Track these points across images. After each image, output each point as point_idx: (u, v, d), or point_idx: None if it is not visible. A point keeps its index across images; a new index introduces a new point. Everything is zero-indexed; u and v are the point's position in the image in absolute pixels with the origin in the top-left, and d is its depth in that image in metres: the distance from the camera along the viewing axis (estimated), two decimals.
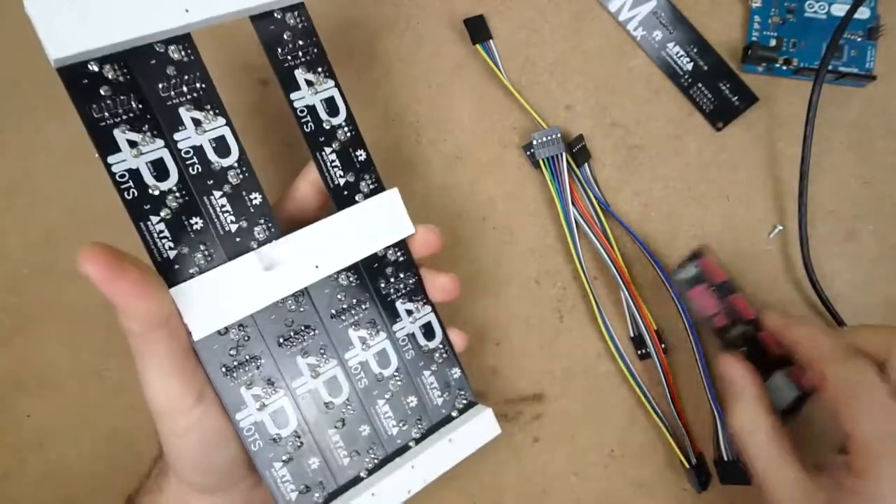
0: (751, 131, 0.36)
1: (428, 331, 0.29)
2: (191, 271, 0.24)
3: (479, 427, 0.29)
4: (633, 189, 0.36)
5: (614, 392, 0.36)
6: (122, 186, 0.23)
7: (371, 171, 0.28)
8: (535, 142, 0.34)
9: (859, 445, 0.24)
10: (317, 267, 0.26)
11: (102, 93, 0.23)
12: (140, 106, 0.23)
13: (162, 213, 0.23)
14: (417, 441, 0.28)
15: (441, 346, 0.29)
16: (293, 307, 0.26)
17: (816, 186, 0.35)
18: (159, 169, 0.23)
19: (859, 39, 0.35)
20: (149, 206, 0.23)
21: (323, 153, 0.27)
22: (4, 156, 0.36)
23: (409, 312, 0.29)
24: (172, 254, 0.24)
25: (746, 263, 0.36)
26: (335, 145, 0.27)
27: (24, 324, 0.36)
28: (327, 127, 0.27)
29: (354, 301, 0.27)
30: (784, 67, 0.35)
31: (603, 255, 0.35)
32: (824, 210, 0.36)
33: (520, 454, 0.36)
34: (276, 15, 0.26)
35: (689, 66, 0.36)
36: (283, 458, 0.25)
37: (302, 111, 0.27)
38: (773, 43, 0.36)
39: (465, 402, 0.30)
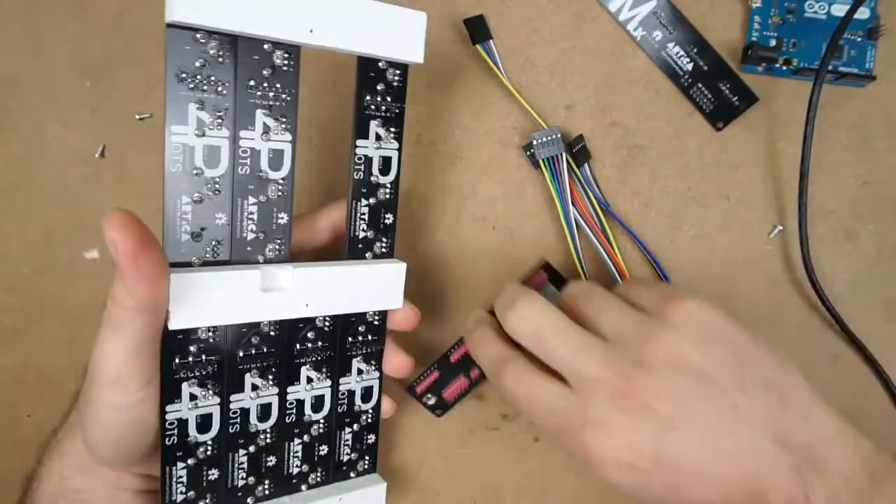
0: (751, 131, 0.36)
1: (366, 393, 0.30)
2: (193, 259, 0.24)
3: (369, 497, 0.31)
4: (633, 189, 0.36)
5: None
6: (174, 157, 0.23)
7: (390, 236, 0.29)
8: (535, 142, 0.34)
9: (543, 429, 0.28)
10: (307, 305, 0.27)
11: (197, 64, 0.23)
12: (225, 93, 0.24)
13: (194, 196, 0.24)
14: (311, 487, 0.30)
15: (371, 410, 0.31)
16: (266, 329, 0.27)
17: (816, 186, 0.35)
18: (212, 155, 0.24)
19: (859, 39, 0.35)
20: (186, 187, 0.24)
21: (359, 204, 0.28)
22: (4, 156, 0.36)
23: (360, 372, 0.30)
24: (185, 237, 0.24)
25: (746, 263, 0.36)
26: (372, 201, 0.28)
27: (24, 324, 0.36)
28: (374, 182, 0.28)
29: (320, 344, 0.28)
30: (784, 67, 0.35)
31: (603, 255, 0.35)
32: (824, 210, 0.36)
33: (520, 454, 0.36)
34: (381, 65, 0.27)
35: (689, 67, 0.36)
36: (189, 461, 0.26)
37: (360, 159, 0.28)
38: (773, 43, 0.36)
39: (366, 467, 0.31)
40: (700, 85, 0.36)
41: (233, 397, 0.26)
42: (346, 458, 0.30)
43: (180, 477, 0.26)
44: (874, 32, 0.35)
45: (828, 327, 0.36)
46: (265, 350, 0.27)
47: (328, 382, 0.29)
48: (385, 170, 0.28)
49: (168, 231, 0.24)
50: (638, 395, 0.24)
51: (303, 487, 0.29)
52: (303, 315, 0.27)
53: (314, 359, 0.28)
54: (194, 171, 0.24)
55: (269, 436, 0.28)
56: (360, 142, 0.27)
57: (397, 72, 0.28)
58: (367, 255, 0.29)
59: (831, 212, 0.36)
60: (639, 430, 0.24)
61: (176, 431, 0.25)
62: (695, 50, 0.36)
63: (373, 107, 0.27)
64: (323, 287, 0.27)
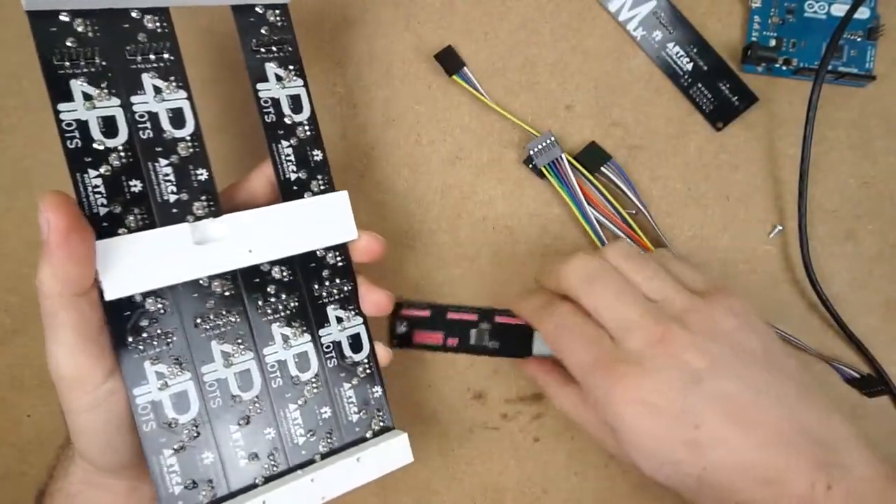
0: (751, 131, 0.36)
1: (355, 342, 0.29)
2: (119, 231, 0.23)
3: (392, 452, 0.28)
4: None
5: None
6: (67, 135, 0.23)
7: (325, 173, 0.28)
8: (531, 152, 0.35)
9: (574, 372, 0.27)
10: (250, 251, 0.25)
11: (68, 43, 0.23)
12: (104, 63, 0.23)
13: (101, 169, 0.23)
14: (324, 456, 0.27)
15: (366, 360, 0.29)
16: (218, 289, 0.25)
17: (816, 186, 0.35)
18: (109, 126, 0.23)
19: (859, 39, 0.35)
20: (90, 160, 0.23)
21: (279, 146, 0.27)
22: (4, 156, 0.36)
23: (339, 320, 0.28)
24: (103, 210, 0.23)
25: (746, 263, 0.36)
26: (293, 141, 0.27)
27: (25, 324, 0.36)
28: (288, 122, 0.27)
29: (284, 296, 0.27)
30: (784, 67, 0.35)
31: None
32: (824, 210, 0.36)
33: (520, 454, 0.36)
34: (257, 9, 0.27)
35: (689, 67, 0.36)
36: (175, 446, 0.24)
37: (266, 102, 0.27)
38: (772, 43, 0.36)
39: (381, 424, 0.29)
40: (700, 85, 0.36)
41: (203, 369, 0.25)
42: (354, 417, 0.28)
43: (171, 466, 0.24)
44: (874, 32, 0.35)
45: (828, 327, 0.36)
46: (224, 312, 0.25)
47: (307, 337, 0.27)
48: (297, 108, 0.28)
49: (83, 207, 0.23)
50: (674, 344, 0.25)
51: (315, 458, 0.27)
52: (248, 263, 0.25)
53: (283, 314, 0.27)
54: (95, 145, 0.23)
55: (258, 405, 0.26)
56: (260, 86, 0.27)
57: (276, 11, 0.27)
58: (305, 195, 0.27)
59: (831, 212, 0.36)
60: (669, 375, 0.25)
61: (152, 416, 0.23)
62: (695, 50, 0.36)
63: (262, 50, 0.27)
64: (263, 230, 0.26)
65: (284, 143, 0.27)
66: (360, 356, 0.29)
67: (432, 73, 0.36)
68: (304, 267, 0.27)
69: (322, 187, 0.28)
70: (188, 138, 0.25)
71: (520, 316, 0.32)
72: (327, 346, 0.28)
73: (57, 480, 0.27)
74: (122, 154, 0.24)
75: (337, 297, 0.28)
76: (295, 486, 0.25)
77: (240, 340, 0.26)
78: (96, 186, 0.23)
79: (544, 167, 0.35)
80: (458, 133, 0.36)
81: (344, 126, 0.36)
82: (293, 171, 0.27)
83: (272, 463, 0.26)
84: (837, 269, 0.36)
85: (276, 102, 0.27)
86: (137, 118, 0.24)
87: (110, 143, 0.23)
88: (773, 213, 0.36)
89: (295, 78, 0.28)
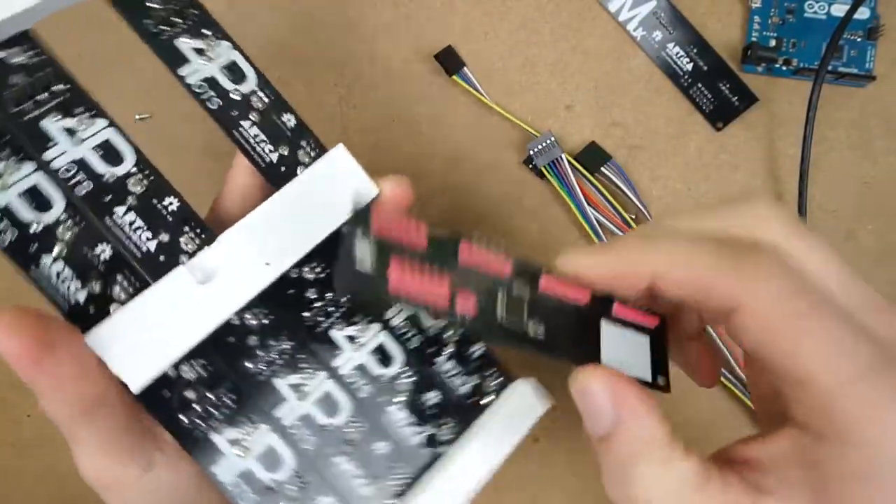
0: (751, 131, 0.36)
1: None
2: (111, 308, 0.20)
3: (522, 406, 0.23)
4: None
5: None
6: None
7: (308, 137, 0.23)
8: (531, 152, 0.35)
9: (832, 396, 0.14)
10: (268, 264, 0.21)
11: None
12: None
13: (55, 251, 0.19)
14: (447, 443, 0.23)
15: (136, 169, 0.22)
16: (254, 321, 0.21)
17: (816, 187, 0.35)
18: (36, 198, 0.20)
19: (859, 40, 0.35)
20: (36, 246, 0.19)
21: (241, 129, 0.22)
22: None
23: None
24: (82, 297, 0.19)
25: None
26: (253, 116, 0.23)
27: None
28: (237, 97, 0.23)
29: (330, 295, 0.23)
30: (784, 68, 0.35)
31: None
32: (824, 210, 0.36)
33: (520, 454, 0.36)
34: None
35: (689, 67, 0.36)
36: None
37: (199, 87, 0.22)
38: (772, 43, 0.36)
39: (496, 381, 0.24)
40: (700, 85, 0.36)
41: (278, 413, 0.21)
42: (464, 389, 0.24)
43: (59, 273, 0.19)
44: (874, 32, 0.35)
45: None
46: (272, 342, 0.22)
47: (375, 327, 0.23)
48: (238, 76, 0.23)
49: (58, 302, 0.19)
50: None
51: (441, 451, 0.23)
52: (271, 278, 0.21)
53: (336, 314, 0.23)
54: (32, 228, 0.19)
55: (355, 425, 0.22)
56: (182, 71, 0.22)
57: None
58: (298, 171, 0.23)
59: (831, 212, 0.36)
60: None
61: (247, 488, 0.20)
62: (694, 50, 0.36)
63: (164, 28, 0.22)
64: (269, 234, 0.22)
65: (245, 124, 0.23)
66: (395, 367, 0.24)
67: (432, 73, 0.36)
68: (334, 254, 0.23)
69: (313, 154, 0.23)
70: (134, 170, 0.21)
71: (646, 273, 0.18)
72: (402, 327, 0.23)
73: None
74: (69, 223, 0.20)
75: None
76: (436, 491, 0.22)
77: (303, 365, 0.22)
78: (59, 273, 0.19)
79: (544, 167, 0.35)
80: (458, 133, 0.36)
81: (344, 126, 0.36)
82: (271, 151, 0.23)
83: (398, 476, 0.22)
84: None
85: (211, 82, 0.22)
86: (64, 173, 0.20)
87: (47, 217, 0.20)
88: None
89: (218, 42, 0.23)
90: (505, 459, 0.23)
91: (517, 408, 0.23)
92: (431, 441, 0.23)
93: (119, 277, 0.20)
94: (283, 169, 0.23)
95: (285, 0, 0.37)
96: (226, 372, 0.21)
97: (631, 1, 0.36)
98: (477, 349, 0.24)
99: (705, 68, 0.36)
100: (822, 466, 0.15)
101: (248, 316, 0.21)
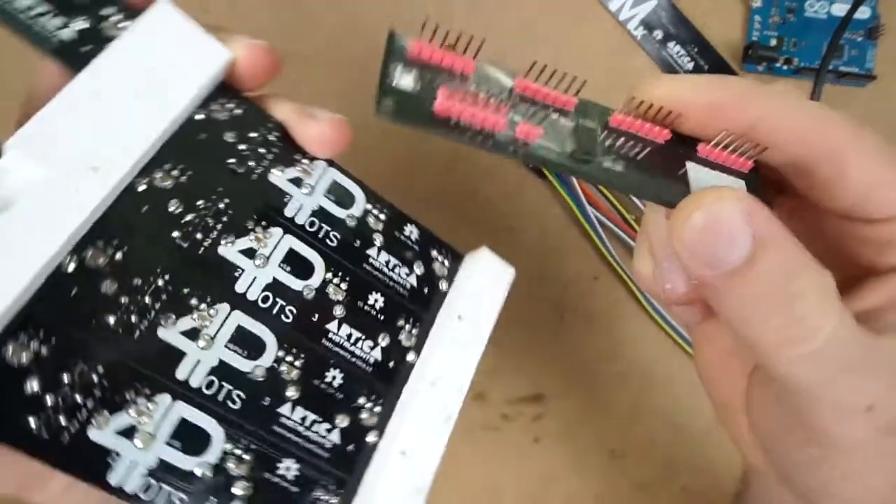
0: None
1: (339, 193, 0.19)
2: None
3: (487, 278, 0.20)
4: None
5: (615, 392, 0.36)
6: None
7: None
8: None
9: None
10: (95, 169, 0.15)
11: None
12: None
13: None
14: (416, 349, 0.19)
15: (370, 205, 0.20)
16: (101, 259, 0.15)
17: None
18: None
19: (860, 39, 0.35)
20: None
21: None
22: None
23: (298, 182, 0.19)
24: None
25: None
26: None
27: None
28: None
29: (202, 203, 0.17)
30: (785, 67, 0.35)
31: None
32: None
33: (520, 454, 0.36)
34: None
35: (690, 66, 0.36)
36: (237, 492, 0.16)
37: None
38: (773, 43, 0.36)
39: (447, 262, 0.21)
40: None
41: (179, 373, 0.16)
42: (410, 281, 0.20)
43: None
44: (875, 32, 0.35)
45: None
46: (136, 284, 0.16)
47: (276, 231, 0.18)
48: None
49: None
50: None
51: (409, 358, 0.19)
52: (105, 190, 0.15)
53: (220, 226, 0.17)
54: None
55: (291, 358, 0.17)
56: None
57: None
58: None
59: None
60: None
61: (168, 487, 0.15)
62: (695, 49, 0.36)
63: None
64: (87, 129, 0.15)
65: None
66: (358, 207, 0.20)
67: None
68: (195, 147, 0.17)
69: (123, 23, 0.17)
70: None
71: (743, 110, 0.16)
72: (310, 224, 0.18)
73: None
74: None
75: (269, 156, 0.18)
76: (421, 405, 0.18)
77: (195, 301, 0.16)
78: None
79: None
80: None
81: None
82: (62, 27, 0.16)
83: (369, 405, 0.18)
84: None
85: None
86: None
87: None
88: None
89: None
90: (486, 343, 0.20)
91: (483, 283, 0.20)
92: (393, 351, 0.19)
93: None
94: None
95: (286, 0, 0.37)
96: (78, 342, 0.14)
97: (631, 0, 0.36)
98: (411, 230, 0.20)
99: (706, 67, 0.36)
100: None
101: (89, 254, 0.15)
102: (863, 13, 0.35)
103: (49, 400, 0.14)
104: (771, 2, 0.36)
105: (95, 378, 0.15)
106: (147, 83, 0.16)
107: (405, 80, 0.15)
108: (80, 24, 0.16)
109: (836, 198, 0.16)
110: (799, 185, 0.17)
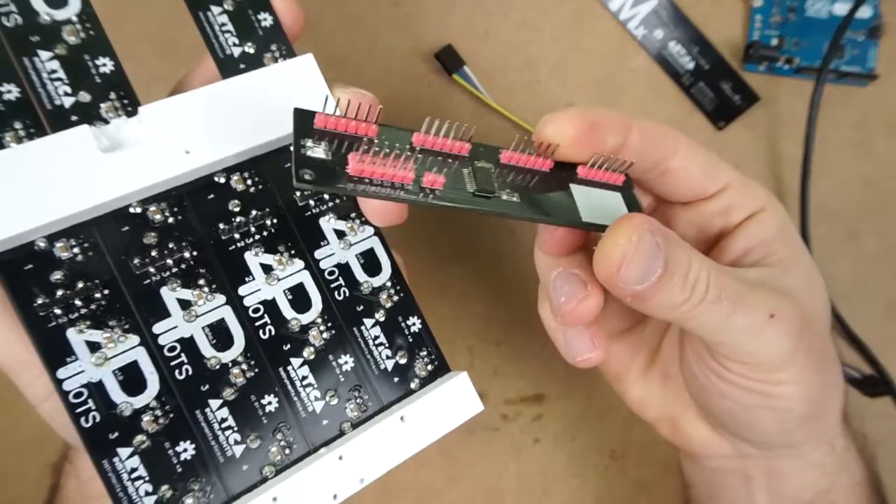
0: (752, 131, 0.36)
1: (370, 261, 0.21)
2: None
3: (449, 400, 0.20)
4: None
5: (615, 392, 0.36)
6: None
7: (281, 40, 0.21)
8: None
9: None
10: (188, 152, 0.19)
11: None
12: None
13: None
14: (355, 424, 0.20)
15: (390, 284, 0.21)
16: (158, 216, 0.19)
17: (818, 186, 0.35)
18: None
19: (861, 39, 0.35)
20: None
21: (209, 13, 0.20)
22: None
23: (341, 234, 0.21)
24: None
25: None
26: (227, 4, 0.21)
27: None
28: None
29: (256, 213, 0.20)
30: (786, 67, 0.35)
31: None
32: (826, 210, 0.35)
33: (520, 455, 0.36)
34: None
35: (691, 66, 0.36)
36: (136, 441, 0.17)
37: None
38: (774, 42, 0.35)
39: (428, 367, 0.21)
40: (701, 84, 0.36)
41: (157, 328, 0.18)
42: (387, 364, 0.21)
43: (133, 470, 0.17)
44: (876, 31, 0.35)
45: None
46: (172, 246, 0.19)
47: (298, 263, 0.20)
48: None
49: None
50: None
51: (344, 428, 0.19)
52: (187, 168, 0.18)
53: (257, 236, 0.20)
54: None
55: (246, 367, 0.19)
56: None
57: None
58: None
59: (833, 212, 0.35)
60: None
61: (92, 404, 0.17)
62: (696, 49, 0.36)
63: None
64: (199, 120, 0.19)
65: (216, 10, 0.20)
66: (380, 279, 0.21)
67: (432, 72, 0.36)
68: (278, 169, 0.20)
69: (279, 59, 0.21)
70: (75, 19, 0.19)
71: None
72: (330, 272, 0.20)
73: (65, 475, 0.25)
74: None
75: (330, 203, 0.21)
76: (317, 470, 0.18)
77: (202, 281, 0.19)
78: None
79: None
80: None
81: None
82: (235, 45, 0.20)
83: (282, 445, 0.19)
84: (839, 269, 0.35)
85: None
86: None
87: None
88: None
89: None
90: (409, 458, 0.20)
91: (441, 402, 0.20)
92: (332, 413, 0.19)
93: (17, 124, 0.18)
94: (242, 66, 0.21)
95: None
96: (106, 263, 0.18)
97: (631, 0, 0.36)
98: (414, 322, 0.21)
99: (707, 67, 0.36)
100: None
101: (152, 208, 0.18)
102: (864, 12, 0.35)
103: (59, 293, 0.17)
104: (772, 1, 0.36)
105: (98, 296, 0.18)
106: (266, 108, 0.20)
107: (317, 151, 0.16)
108: (249, 48, 0.21)
109: (682, 188, 0.21)
110: (658, 190, 0.22)
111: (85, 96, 0.19)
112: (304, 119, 0.17)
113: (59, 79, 0.18)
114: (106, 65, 0.19)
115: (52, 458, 0.28)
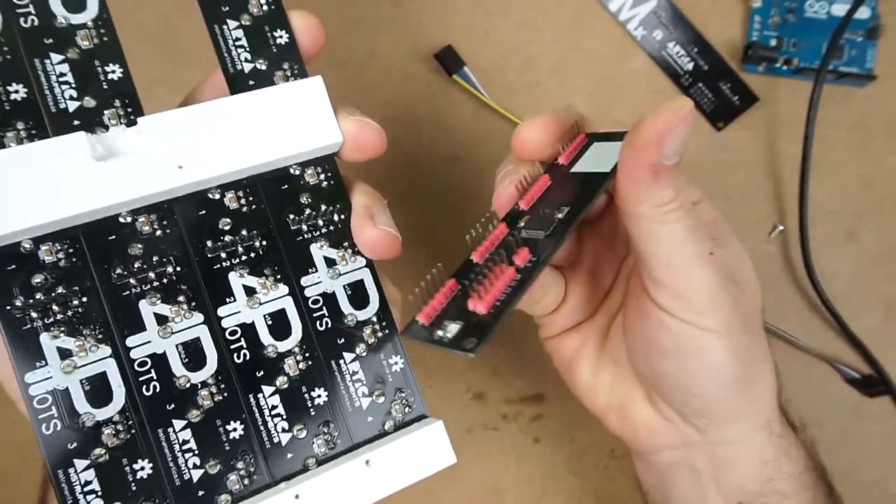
0: (751, 131, 0.36)
1: (357, 293, 0.21)
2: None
3: (422, 451, 0.20)
4: None
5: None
6: None
7: (294, 59, 0.21)
8: None
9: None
10: (180, 167, 0.18)
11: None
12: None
13: None
14: (320, 462, 0.19)
15: (375, 319, 0.21)
16: (145, 227, 0.18)
17: (817, 186, 0.35)
18: None
19: (859, 39, 0.35)
20: None
21: (225, 27, 0.20)
22: None
23: (331, 262, 0.20)
24: None
25: None
26: (244, 19, 0.20)
27: None
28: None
29: (245, 233, 0.19)
30: (784, 67, 0.35)
31: None
32: (825, 210, 0.36)
33: (520, 454, 0.36)
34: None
35: (690, 66, 0.36)
36: (94, 454, 0.17)
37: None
38: (773, 43, 0.36)
39: (406, 410, 0.21)
40: (700, 84, 0.36)
41: (131, 341, 0.18)
42: (363, 402, 0.20)
43: (87, 485, 0.17)
44: (874, 32, 0.35)
45: (828, 327, 0.36)
46: (155, 259, 0.18)
47: (282, 289, 0.20)
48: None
49: None
50: None
51: (308, 464, 0.19)
52: (179, 183, 0.18)
53: (244, 257, 0.19)
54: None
55: (216, 389, 0.18)
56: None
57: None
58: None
59: (832, 212, 0.36)
60: None
61: (55, 411, 0.17)
62: (695, 49, 0.36)
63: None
64: (197, 137, 0.19)
65: (232, 24, 0.20)
66: (366, 313, 0.21)
67: (432, 72, 0.36)
68: (274, 190, 0.20)
69: (291, 79, 0.21)
70: (90, 24, 0.19)
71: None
72: (314, 301, 0.20)
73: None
74: None
75: (324, 229, 0.20)
76: None
77: (182, 298, 0.18)
78: None
79: None
80: (458, 133, 0.36)
81: None
82: (247, 60, 0.20)
83: (242, 474, 0.18)
84: (838, 269, 0.36)
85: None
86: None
87: None
88: (773, 213, 0.36)
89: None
90: (372, 502, 0.19)
91: (413, 451, 0.20)
92: (298, 447, 0.19)
93: (20, 124, 0.18)
94: (251, 83, 0.20)
95: (285, 1, 0.37)
96: (89, 270, 0.18)
97: (631, 0, 0.36)
98: (396, 361, 0.21)
99: (706, 68, 0.36)
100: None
101: (141, 219, 0.18)
102: (862, 13, 0.35)
103: (38, 295, 0.17)
104: (771, 2, 0.36)
105: (76, 303, 0.18)
106: (268, 128, 0.20)
107: (451, 329, 0.18)
108: (260, 64, 0.20)
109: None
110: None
111: (90, 102, 0.19)
112: (415, 331, 0.19)
113: (66, 82, 0.18)
114: (115, 71, 0.19)
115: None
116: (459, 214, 0.36)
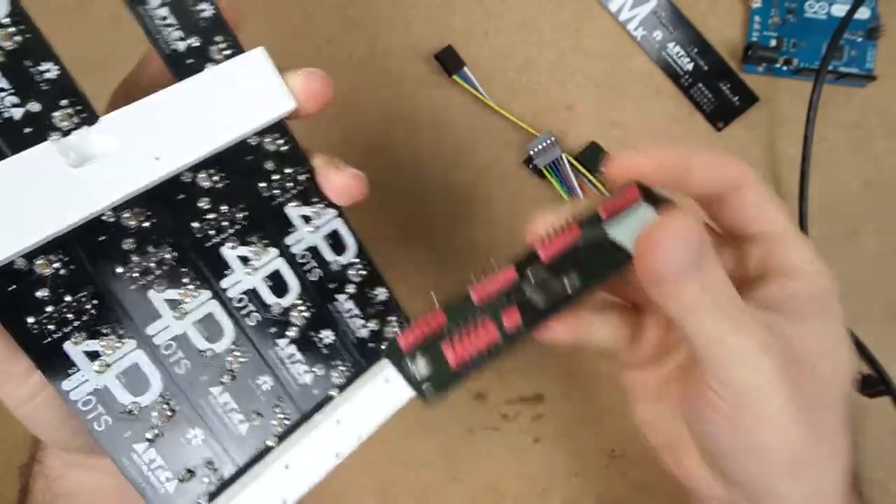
0: (751, 131, 0.36)
1: (336, 242, 0.22)
2: None
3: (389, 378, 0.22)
4: None
5: (614, 392, 0.36)
6: None
7: (225, 32, 0.21)
8: (531, 152, 0.35)
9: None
10: (157, 159, 0.19)
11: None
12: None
13: None
14: (342, 388, 0.22)
15: (357, 260, 0.23)
16: (132, 221, 0.19)
17: (817, 187, 0.35)
18: None
19: (859, 40, 0.35)
20: None
21: (144, 6, 0.19)
22: None
23: (307, 219, 0.22)
24: None
25: None
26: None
27: None
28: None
29: (225, 208, 0.20)
30: (784, 68, 0.35)
31: None
32: (825, 210, 0.36)
33: (520, 454, 0.36)
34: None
35: (690, 66, 0.36)
36: (148, 435, 0.19)
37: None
38: (773, 43, 0.36)
39: (397, 327, 0.23)
40: (700, 85, 0.36)
41: (150, 329, 0.19)
42: (363, 332, 0.22)
43: (152, 462, 0.19)
44: (874, 32, 0.35)
45: None
46: (151, 249, 0.19)
47: (272, 252, 0.21)
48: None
49: None
50: None
51: (332, 393, 0.21)
52: (159, 175, 0.19)
53: (230, 231, 0.21)
54: None
55: (238, 353, 0.20)
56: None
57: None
58: (206, 66, 0.21)
59: (832, 212, 0.36)
60: None
61: (102, 409, 0.18)
62: (695, 50, 0.36)
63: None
64: (164, 126, 0.19)
65: (153, 2, 0.20)
66: (347, 257, 0.23)
67: (432, 73, 0.36)
68: (239, 163, 0.21)
69: (227, 52, 0.21)
70: (7, 21, 0.18)
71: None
72: (302, 256, 0.22)
73: (33, 476, 0.25)
74: None
75: (293, 190, 0.22)
76: (320, 436, 0.20)
77: (186, 280, 0.20)
78: None
79: (544, 167, 0.35)
80: (458, 133, 0.36)
81: (344, 126, 0.36)
82: (180, 39, 0.20)
83: (282, 416, 0.21)
84: (838, 269, 0.35)
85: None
86: None
87: None
88: None
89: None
90: (392, 416, 0.21)
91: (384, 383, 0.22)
92: (320, 382, 0.21)
93: None
94: (190, 62, 0.20)
95: (285, 0, 0.37)
96: (90, 274, 0.18)
97: (631, 1, 0.36)
98: (381, 292, 0.23)
99: (706, 68, 0.36)
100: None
101: (125, 215, 0.19)
102: (862, 13, 0.35)
103: (49, 308, 0.18)
104: (770, 2, 0.36)
105: (89, 307, 0.18)
106: (223, 106, 0.20)
107: (420, 365, 0.19)
108: (194, 41, 0.20)
109: (733, 222, 0.22)
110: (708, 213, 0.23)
111: (35, 106, 0.18)
112: (392, 351, 0.19)
113: (2, 89, 0.17)
114: (50, 70, 0.18)
115: (22, 460, 0.28)
116: (459, 214, 0.36)
